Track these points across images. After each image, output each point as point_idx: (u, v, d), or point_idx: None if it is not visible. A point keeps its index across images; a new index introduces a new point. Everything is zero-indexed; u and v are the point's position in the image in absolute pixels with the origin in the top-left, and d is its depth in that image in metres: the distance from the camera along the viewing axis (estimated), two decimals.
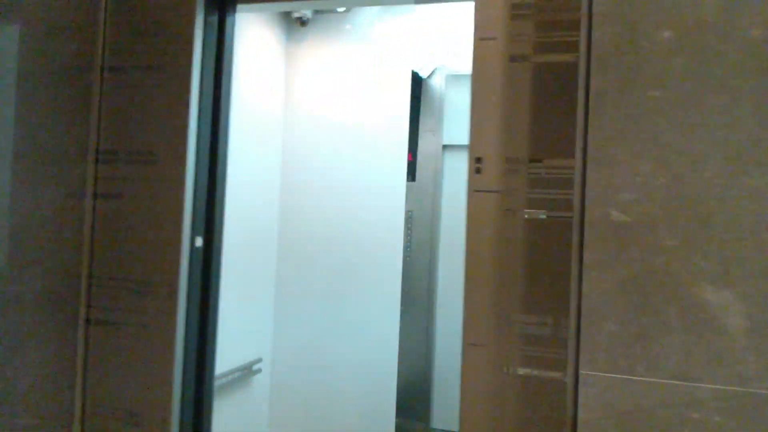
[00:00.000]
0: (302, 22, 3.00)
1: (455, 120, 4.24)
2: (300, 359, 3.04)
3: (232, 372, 2.65)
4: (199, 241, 1.73)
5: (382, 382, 2.94)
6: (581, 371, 0.84)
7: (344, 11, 2.98)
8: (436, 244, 4.00)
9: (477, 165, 1.41)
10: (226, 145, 1.86)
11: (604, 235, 0.84)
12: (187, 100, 1.62)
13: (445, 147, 4.12)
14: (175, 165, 1.62)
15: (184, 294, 1.66)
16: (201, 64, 1.68)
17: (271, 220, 3.04)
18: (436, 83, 4.08)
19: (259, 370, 2.87)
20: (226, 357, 2.59)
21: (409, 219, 3.75)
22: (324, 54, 3.12)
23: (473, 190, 1.38)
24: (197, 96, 1.67)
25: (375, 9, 3.04)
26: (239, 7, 1.86)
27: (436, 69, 4.01)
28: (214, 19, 1.79)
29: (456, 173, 4.38)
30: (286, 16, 3.04)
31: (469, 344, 1.31)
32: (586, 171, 0.86)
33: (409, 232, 3.79)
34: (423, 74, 3.92)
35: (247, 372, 2.79)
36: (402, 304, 2.96)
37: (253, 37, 2.81)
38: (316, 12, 3.06)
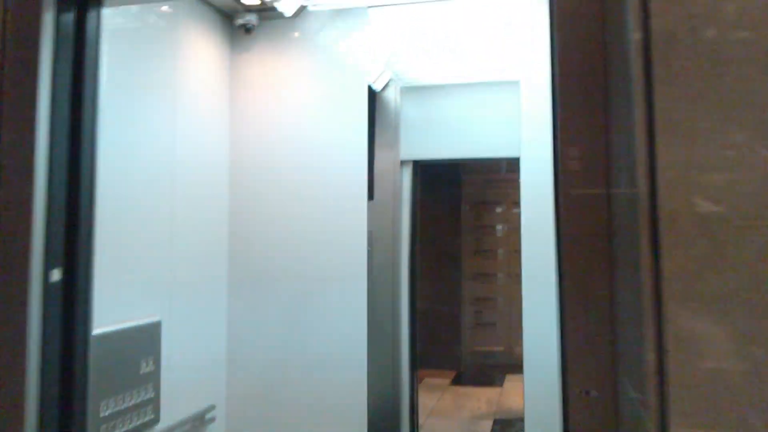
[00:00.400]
0: (247, 29, 2.73)
1: (412, 134, 4.04)
2: (259, 402, 2.70)
3: (181, 425, 2.30)
4: (56, 275, 1.41)
5: (351, 421, 2.63)
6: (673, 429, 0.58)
7: (292, 17, 2.71)
8: (398, 266, 3.75)
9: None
10: (92, 158, 1.57)
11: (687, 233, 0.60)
12: (33, 107, 1.34)
13: (403, 163, 3.91)
14: (21, 184, 1.32)
15: (36, 339, 1.34)
16: (52, 66, 1.44)
17: (219, 252, 2.71)
18: (391, 96, 3.86)
19: (213, 419, 2.52)
20: (172, 407, 2.25)
21: (369, 240, 3.49)
22: (272, 64, 2.85)
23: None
24: (47, 103, 1.39)
25: (325, 14, 2.79)
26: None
27: (390, 81, 3.79)
28: (70, 15, 1.52)
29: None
30: (229, 23, 2.76)
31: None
32: (655, 145, 0.62)
33: (369, 253, 3.52)
34: (377, 87, 3.69)
35: (198, 423, 2.44)
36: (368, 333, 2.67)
37: (190, 47, 2.52)
38: (262, 18, 2.78)
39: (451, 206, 7.27)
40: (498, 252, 7.20)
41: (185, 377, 2.37)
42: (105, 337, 1.86)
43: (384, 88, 3.82)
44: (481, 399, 5.58)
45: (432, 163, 4.33)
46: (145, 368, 2.07)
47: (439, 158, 4.05)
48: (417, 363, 3.98)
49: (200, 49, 2.57)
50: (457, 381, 6.40)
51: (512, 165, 7.25)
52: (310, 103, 2.81)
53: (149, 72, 2.24)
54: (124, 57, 2.08)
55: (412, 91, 4.01)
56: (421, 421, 4.64)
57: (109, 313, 1.93)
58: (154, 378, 2.11)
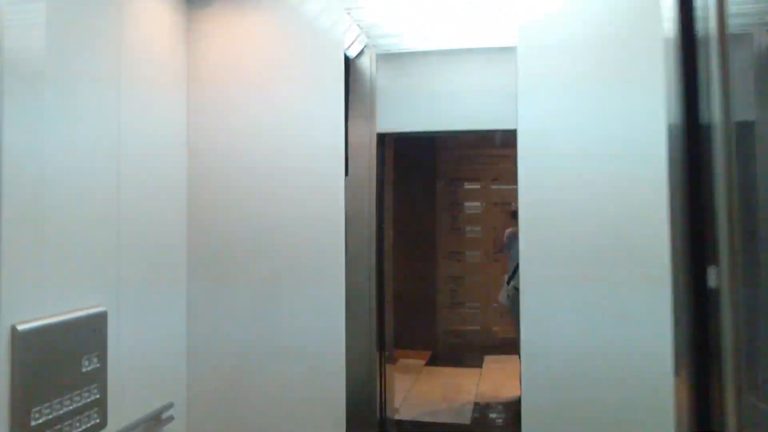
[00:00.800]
0: None
1: (389, 105, 3.79)
2: (223, 397, 2.46)
3: (133, 427, 2.06)
4: None
5: (328, 413, 2.42)
6: None
7: None
8: (373, 247, 3.52)
9: None
10: None
11: None
12: None
13: (379, 135, 3.66)
14: None
15: None
16: None
17: (176, 235, 2.44)
18: (365, 64, 3.58)
19: (171, 418, 2.29)
20: (122, 408, 2.00)
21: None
22: (236, 29, 2.56)
23: None
24: None
25: None
26: None
27: (365, 47, 3.52)
28: None
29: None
30: None
31: None
32: None
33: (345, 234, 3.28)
34: (351, 53, 3.41)
35: (153, 423, 2.21)
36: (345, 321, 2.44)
37: (140, 13, 2.22)
38: None
39: (425, 183, 7.05)
40: (475, 230, 7.03)
41: (138, 374, 2.11)
42: (34, 332, 1.59)
43: (359, 55, 3.54)
44: (459, 381, 5.44)
45: (412, 137, 4.09)
46: (88, 366, 1.80)
47: (424, 131, 3.81)
48: (385, 344, 3.79)
49: (153, 15, 2.27)
50: (433, 361, 6.25)
51: (488, 140, 7.06)
52: (278, 68, 2.53)
53: (91, 30, 1.93)
54: (62, 13, 1.77)
55: (389, 58, 3.75)
56: (396, 404, 4.47)
57: (43, 305, 1.66)
58: (99, 376, 1.85)
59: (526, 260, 2.39)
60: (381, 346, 3.77)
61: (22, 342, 1.55)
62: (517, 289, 4.28)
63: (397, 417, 4.24)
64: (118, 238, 2.02)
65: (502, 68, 3.27)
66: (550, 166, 2.24)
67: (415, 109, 3.83)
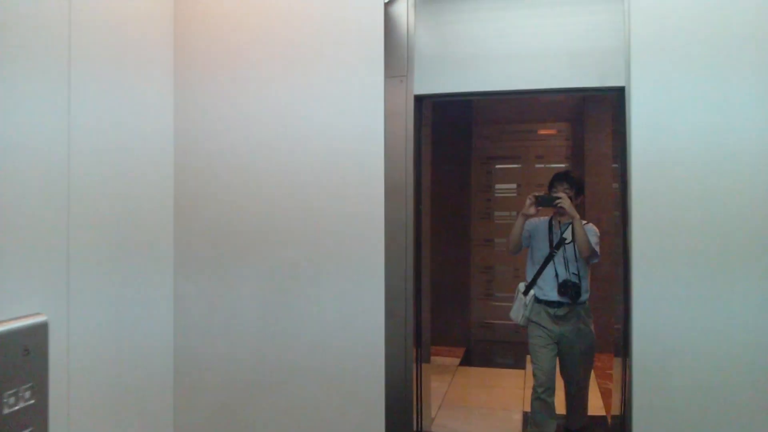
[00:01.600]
0: None
1: (429, 62, 3.15)
2: (225, 421, 1.90)
3: None
4: None
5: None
6: None
7: None
8: (410, 232, 2.92)
9: None
10: None
11: None
12: None
13: (418, 98, 3.04)
14: None
15: None
16: None
17: (160, 216, 1.88)
18: (401, 12, 2.95)
19: None
20: None
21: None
22: None
23: None
24: None
25: None
26: None
27: None
28: None
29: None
30: None
31: None
32: None
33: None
34: None
35: None
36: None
37: None
38: None
39: (460, 162, 6.39)
40: (513, 215, 6.36)
41: (101, 409, 1.54)
42: None
43: (392, 1, 2.91)
44: (500, 384, 4.83)
45: (447, 103, 3.45)
46: (14, 405, 1.23)
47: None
48: (422, 345, 3.21)
49: None
50: (467, 360, 5.64)
51: (530, 114, 6.37)
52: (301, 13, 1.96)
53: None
54: None
55: (429, 5, 3.11)
56: (432, 413, 3.88)
57: None
58: (34, 418, 1.27)
59: (640, 244, 1.80)
60: (417, 344, 3.19)
61: None
62: (540, 301, 3.51)
63: (435, 430, 3.66)
64: (68, 218, 1.44)
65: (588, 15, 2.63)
66: (667, 144, 1.70)
67: (463, 67, 3.19)
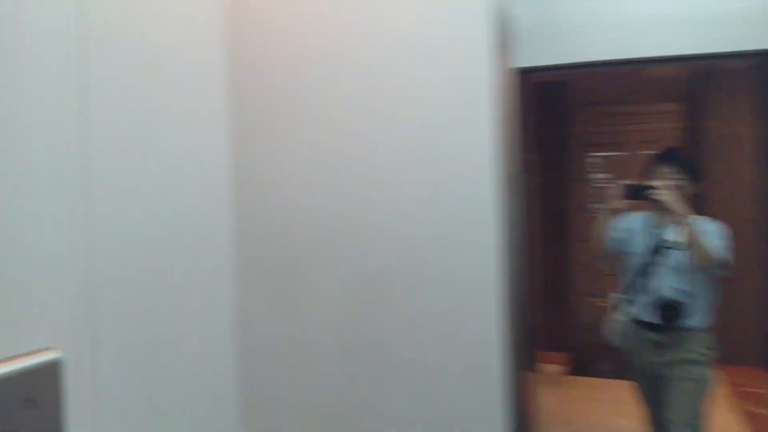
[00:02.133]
0: None
1: (534, 31, 2.73)
2: None
3: None
4: None
5: None
6: None
7: None
8: (517, 221, 2.51)
9: None
10: None
11: None
12: None
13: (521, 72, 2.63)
14: None
15: None
16: None
17: (215, 219, 1.57)
18: None
19: None
20: None
21: None
22: None
23: None
24: None
25: None
26: None
27: None
28: None
29: None
30: None
31: None
32: None
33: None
34: None
35: None
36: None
37: None
38: None
39: (556, 148, 5.85)
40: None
41: None
42: None
43: None
44: (617, 398, 4.27)
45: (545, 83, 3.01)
46: None
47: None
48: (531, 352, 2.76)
49: None
50: (576, 368, 5.10)
51: (641, 95, 5.74)
52: None
53: None
54: None
55: None
56: None
57: None
58: None
59: None
60: (529, 354, 2.78)
61: None
62: (637, 322, 2.73)
63: None
64: (85, 224, 1.14)
65: None
66: None
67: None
